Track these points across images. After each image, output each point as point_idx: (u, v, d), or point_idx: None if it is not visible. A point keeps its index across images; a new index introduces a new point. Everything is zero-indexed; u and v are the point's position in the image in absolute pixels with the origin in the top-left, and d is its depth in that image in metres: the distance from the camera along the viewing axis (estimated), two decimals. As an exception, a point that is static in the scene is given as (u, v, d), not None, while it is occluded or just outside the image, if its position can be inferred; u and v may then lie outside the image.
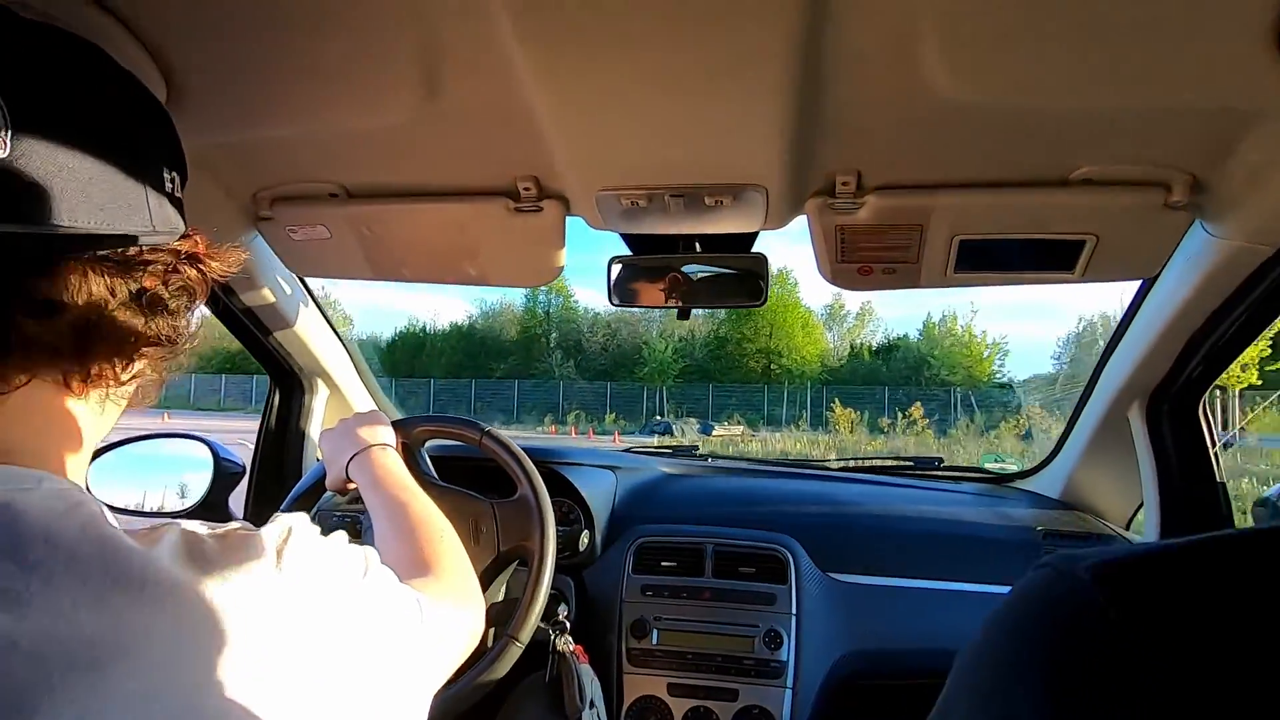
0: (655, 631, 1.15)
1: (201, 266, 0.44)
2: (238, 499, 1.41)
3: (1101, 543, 1.27)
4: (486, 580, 1.02)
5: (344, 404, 1.44)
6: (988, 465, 1.61)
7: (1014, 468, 1.56)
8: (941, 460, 1.65)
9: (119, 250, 0.39)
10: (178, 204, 0.44)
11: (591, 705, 1.01)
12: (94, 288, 0.38)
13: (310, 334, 1.29)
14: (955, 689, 0.35)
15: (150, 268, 0.41)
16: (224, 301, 1.20)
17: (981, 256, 0.93)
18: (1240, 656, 0.26)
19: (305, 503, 1.08)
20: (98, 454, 1.20)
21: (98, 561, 0.34)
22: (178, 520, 0.39)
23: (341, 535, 0.48)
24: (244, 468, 1.38)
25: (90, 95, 0.40)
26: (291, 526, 0.43)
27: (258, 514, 1.39)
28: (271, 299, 1.18)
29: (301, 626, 0.39)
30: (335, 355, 1.38)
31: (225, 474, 1.33)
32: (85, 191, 0.37)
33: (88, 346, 0.39)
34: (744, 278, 1.02)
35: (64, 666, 0.30)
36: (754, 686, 1.09)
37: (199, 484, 1.32)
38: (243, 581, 0.37)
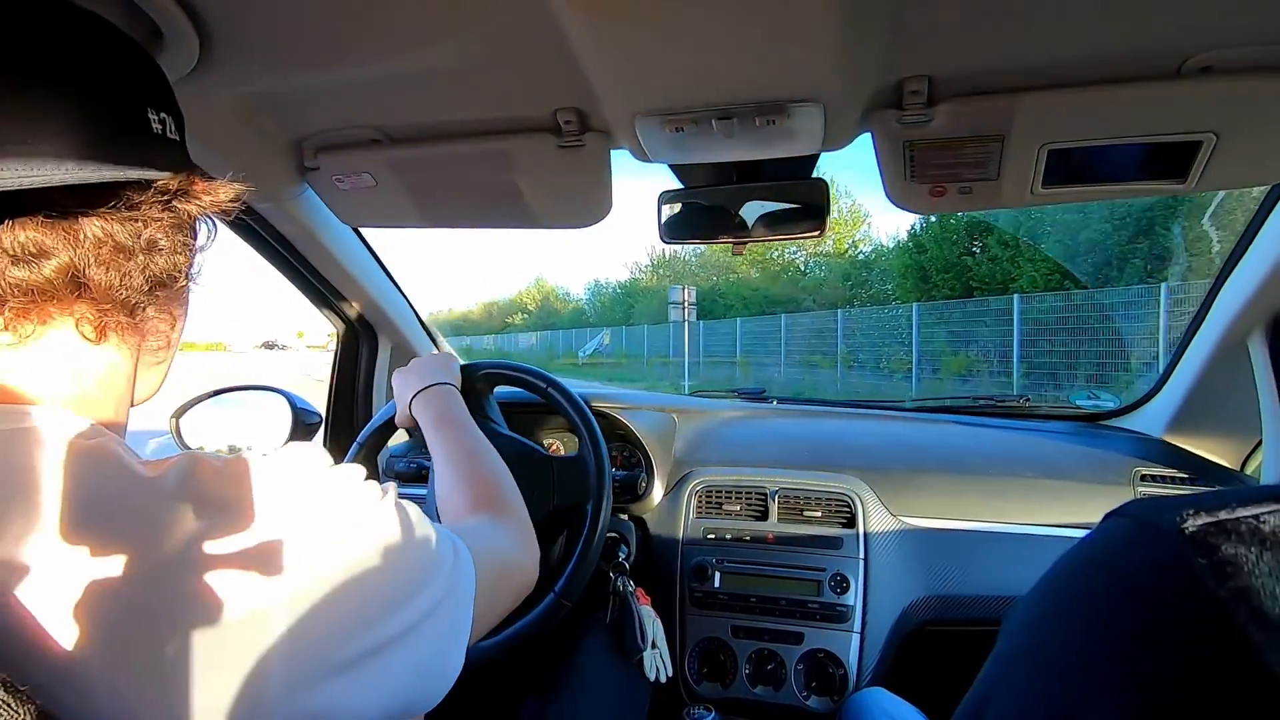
0: (718, 575, 1.14)
1: (196, 202, 0.43)
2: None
3: (1205, 485, 1.16)
4: (540, 536, 1.03)
5: (408, 353, 1.47)
6: (1080, 403, 1.48)
7: (1111, 405, 1.43)
8: (1028, 398, 1.54)
9: (109, 194, 0.38)
10: (171, 145, 0.43)
11: (654, 646, 1.01)
12: (85, 231, 0.38)
13: (371, 285, 1.31)
14: (1013, 650, 0.30)
15: (141, 209, 0.40)
16: (287, 258, 1.23)
17: (1073, 167, 0.82)
18: None
19: (376, 440, 1.10)
20: (182, 411, 1.28)
21: (91, 493, 0.36)
22: (196, 451, 0.40)
23: (372, 482, 0.47)
24: (321, 417, 1.44)
25: (58, 41, 0.38)
26: (302, 457, 0.43)
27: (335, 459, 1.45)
28: (330, 252, 1.20)
29: (297, 556, 0.38)
30: (396, 305, 1.40)
31: (303, 423, 1.39)
32: (61, 138, 0.36)
33: (85, 291, 0.39)
34: (803, 206, 0.95)
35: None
36: (820, 631, 1.07)
37: (279, 434, 1.38)
38: (236, 507, 0.38)
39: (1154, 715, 0.22)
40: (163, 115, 0.42)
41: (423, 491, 1.05)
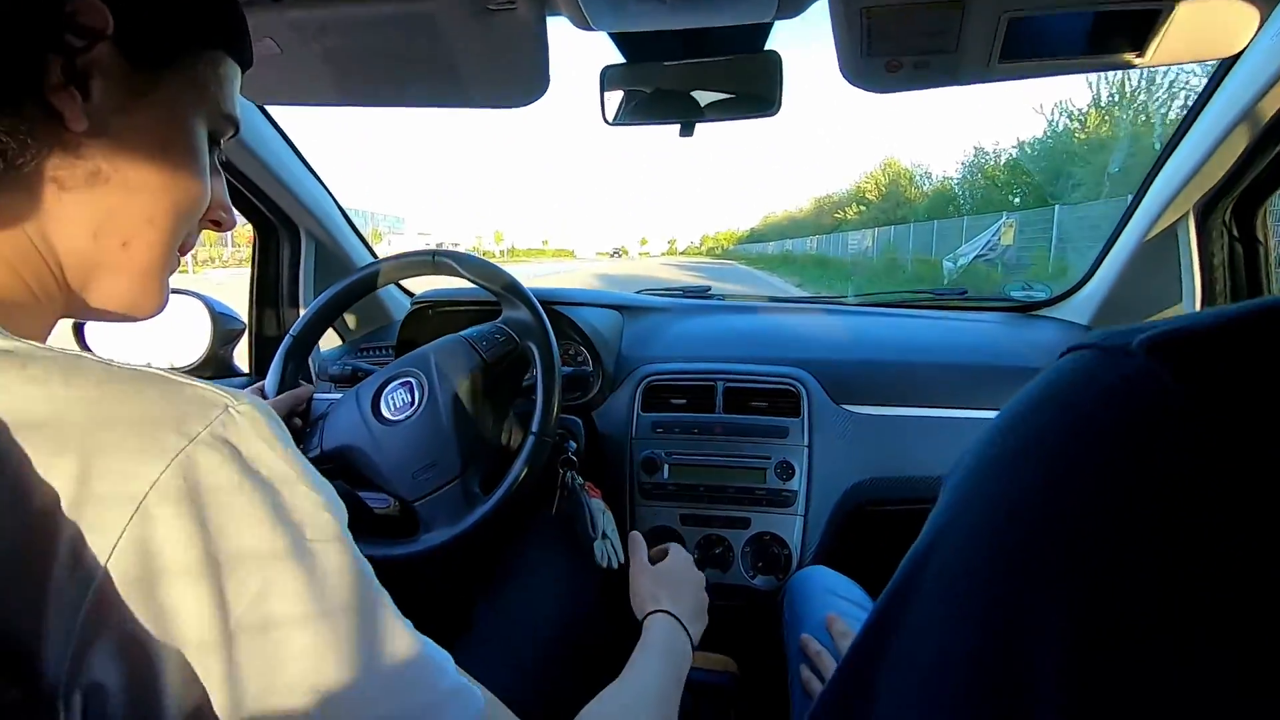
0: (666, 467, 1.15)
1: None
2: (242, 357, 1.39)
3: None
4: (494, 404, 1.01)
5: (334, 252, 1.38)
6: (1014, 294, 1.53)
7: (1043, 295, 1.48)
8: (965, 291, 1.57)
9: None
10: None
11: (604, 536, 1.03)
12: None
13: (286, 174, 1.20)
14: (958, 502, 0.29)
15: None
16: None
17: (1033, 39, 0.79)
18: None
19: (307, 339, 1.03)
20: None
21: None
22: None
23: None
24: (244, 324, 1.35)
25: None
26: (245, 413, 0.33)
27: (261, 369, 1.37)
28: (244, 144, 1.08)
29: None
30: (316, 197, 1.29)
31: (225, 330, 1.30)
32: None
33: None
34: (753, 81, 0.90)
35: None
36: (766, 515, 1.10)
37: (199, 343, 1.29)
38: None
39: (1131, 535, 0.21)
40: None
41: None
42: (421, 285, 1.46)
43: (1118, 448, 0.23)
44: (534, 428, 0.92)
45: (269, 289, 1.34)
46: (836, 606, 0.92)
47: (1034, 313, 1.47)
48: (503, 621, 0.96)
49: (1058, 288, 1.47)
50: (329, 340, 1.52)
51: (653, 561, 0.88)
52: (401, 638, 0.37)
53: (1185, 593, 0.20)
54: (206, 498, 0.31)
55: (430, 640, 0.40)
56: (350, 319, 1.52)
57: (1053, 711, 0.22)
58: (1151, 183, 1.13)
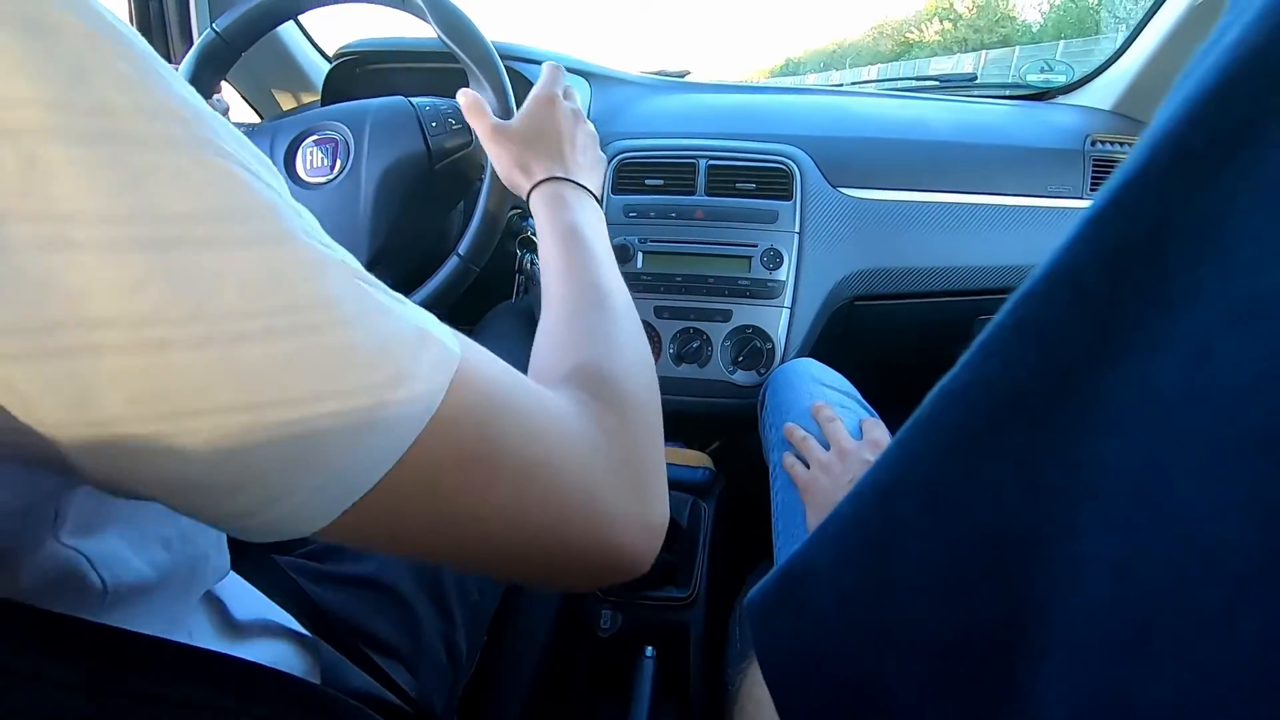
0: (640, 255, 1.02)
1: None
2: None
3: None
4: (430, 201, 0.85)
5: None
6: (1030, 78, 1.35)
7: (1063, 79, 1.31)
8: (975, 77, 1.40)
9: None
10: None
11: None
12: None
13: None
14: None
15: None
16: None
17: None
18: None
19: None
20: None
21: None
22: None
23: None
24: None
25: None
26: None
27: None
28: None
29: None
30: None
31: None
32: None
33: None
34: None
35: None
36: (749, 307, 1.00)
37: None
38: None
39: None
40: None
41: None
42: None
43: None
44: (461, 249, 0.76)
45: (152, 23, 1.07)
46: (824, 395, 0.85)
47: (1053, 98, 1.31)
48: None
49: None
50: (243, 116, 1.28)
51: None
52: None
53: None
54: None
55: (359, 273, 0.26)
56: (270, 91, 1.27)
57: None
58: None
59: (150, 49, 0.22)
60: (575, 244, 0.53)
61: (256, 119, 1.30)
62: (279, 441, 0.22)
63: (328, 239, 0.25)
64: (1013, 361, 0.20)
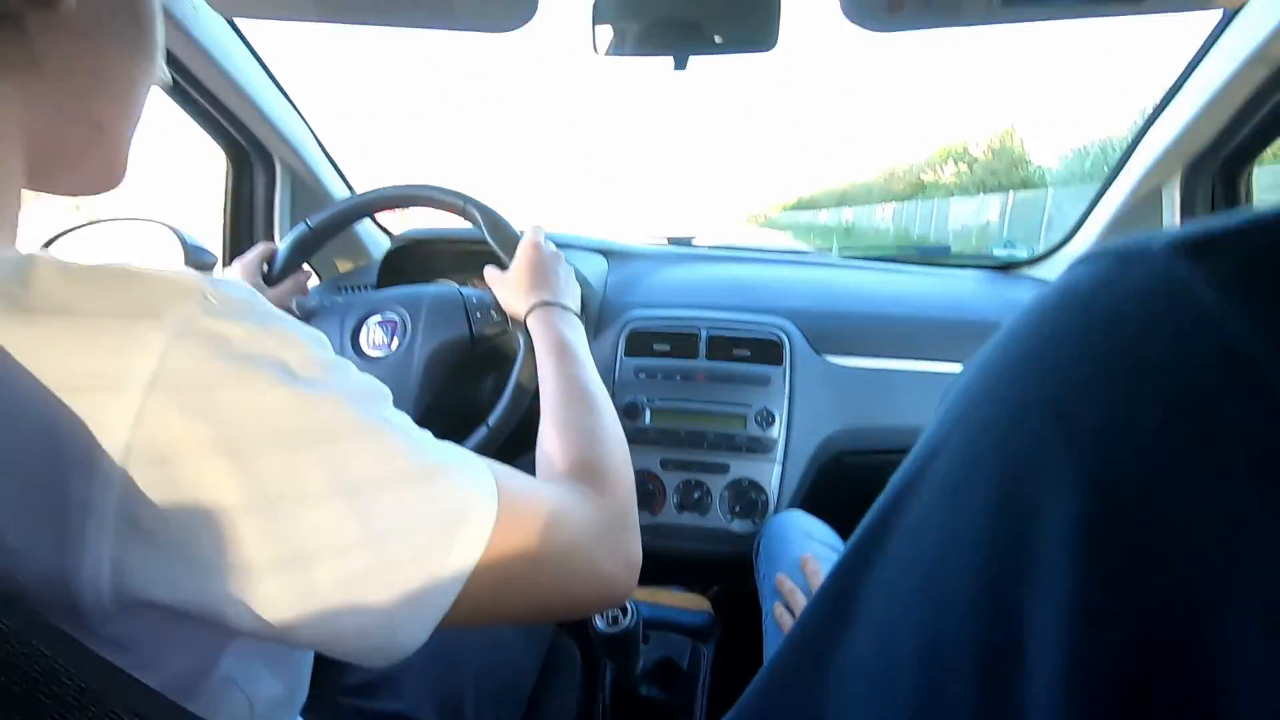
0: (648, 412, 1.15)
1: None
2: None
3: None
4: (466, 376, 0.99)
5: (309, 184, 1.33)
6: (996, 252, 1.53)
7: (1024, 255, 1.49)
8: (949, 249, 1.58)
9: None
10: None
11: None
12: None
13: (259, 97, 1.14)
14: (958, 411, 0.27)
15: None
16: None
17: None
18: None
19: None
20: (51, 241, 1.12)
21: None
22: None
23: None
24: (216, 258, 1.30)
25: None
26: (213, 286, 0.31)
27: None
28: (204, 50, 1.02)
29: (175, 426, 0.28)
30: (290, 123, 1.24)
31: (195, 262, 1.26)
32: None
33: None
34: (750, 15, 0.87)
35: None
36: (745, 461, 1.11)
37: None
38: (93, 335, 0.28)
39: (1134, 433, 0.21)
40: None
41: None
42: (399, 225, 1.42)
43: (1149, 343, 0.21)
44: (491, 420, 0.88)
45: (242, 221, 1.29)
46: (811, 548, 0.94)
47: (1014, 271, 1.48)
48: None
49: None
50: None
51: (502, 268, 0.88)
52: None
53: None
54: (200, 390, 0.29)
55: (431, 442, 0.40)
56: (333, 259, 1.48)
57: (1062, 587, 0.21)
58: (1142, 138, 1.13)
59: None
60: (565, 354, 0.70)
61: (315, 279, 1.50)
62: (406, 592, 0.33)
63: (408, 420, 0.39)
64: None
